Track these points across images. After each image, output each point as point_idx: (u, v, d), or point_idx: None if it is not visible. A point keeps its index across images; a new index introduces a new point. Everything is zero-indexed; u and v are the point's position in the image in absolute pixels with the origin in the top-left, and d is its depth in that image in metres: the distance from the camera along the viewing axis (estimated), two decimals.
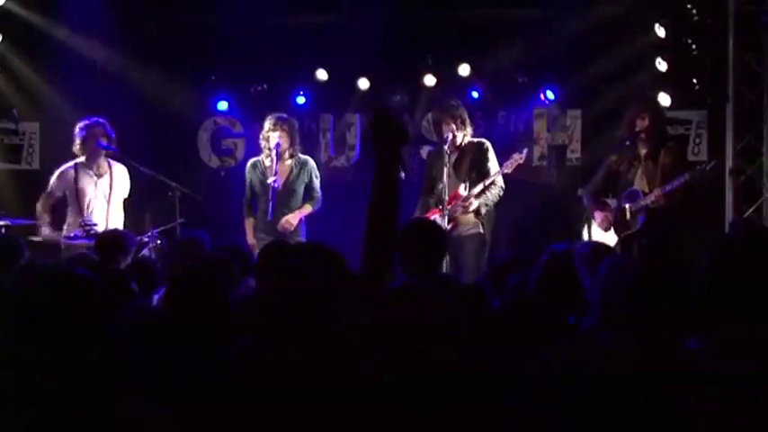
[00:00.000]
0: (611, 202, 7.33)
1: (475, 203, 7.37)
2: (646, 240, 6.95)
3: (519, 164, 7.48)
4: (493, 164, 7.49)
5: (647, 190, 7.11)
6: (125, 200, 7.85)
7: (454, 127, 7.42)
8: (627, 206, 7.16)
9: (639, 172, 7.19)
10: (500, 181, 7.47)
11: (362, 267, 3.02)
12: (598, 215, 7.34)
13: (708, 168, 7.10)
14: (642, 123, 7.16)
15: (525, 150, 7.64)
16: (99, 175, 7.68)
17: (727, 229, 8.08)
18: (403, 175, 3.12)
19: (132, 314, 3.71)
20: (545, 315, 3.71)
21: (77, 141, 7.62)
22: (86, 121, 7.64)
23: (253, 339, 3.04)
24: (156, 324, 3.40)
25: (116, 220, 7.67)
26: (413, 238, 4.44)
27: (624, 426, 2.65)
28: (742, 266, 2.81)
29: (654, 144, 7.16)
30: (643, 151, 7.20)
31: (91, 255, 5.64)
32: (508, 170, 7.44)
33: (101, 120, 7.66)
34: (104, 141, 7.60)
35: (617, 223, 7.22)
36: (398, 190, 3.10)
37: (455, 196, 7.39)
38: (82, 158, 7.67)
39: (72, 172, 7.64)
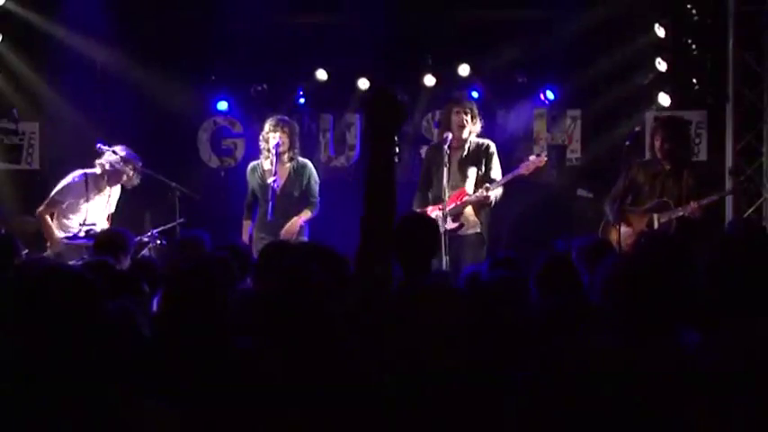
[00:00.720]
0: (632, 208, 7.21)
1: (492, 196, 7.36)
2: (644, 240, 6.92)
3: (538, 167, 7.46)
4: (496, 167, 7.46)
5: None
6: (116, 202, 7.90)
7: (465, 117, 7.40)
8: (655, 216, 7.14)
9: (660, 187, 7.17)
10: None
11: (358, 254, 3.00)
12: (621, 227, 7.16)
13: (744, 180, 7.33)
14: (657, 143, 7.19)
15: (544, 153, 7.64)
16: (102, 190, 7.72)
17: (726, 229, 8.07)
18: (397, 158, 3.07)
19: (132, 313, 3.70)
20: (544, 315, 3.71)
21: (106, 162, 7.61)
22: (129, 156, 7.66)
23: (252, 339, 3.03)
24: (155, 323, 3.40)
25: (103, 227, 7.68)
26: (406, 232, 4.44)
27: (624, 425, 2.65)
28: (740, 266, 2.82)
29: (674, 162, 7.17)
30: (667, 167, 7.20)
31: (104, 258, 5.59)
32: (526, 171, 7.41)
33: (139, 162, 7.71)
34: (123, 180, 7.71)
35: (641, 231, 7.15)
36: (394, 171, 3.04)
37: (460, 194, 7.36)
38: (95, 171, 7.66)
39: (83, 185, 7.63)
